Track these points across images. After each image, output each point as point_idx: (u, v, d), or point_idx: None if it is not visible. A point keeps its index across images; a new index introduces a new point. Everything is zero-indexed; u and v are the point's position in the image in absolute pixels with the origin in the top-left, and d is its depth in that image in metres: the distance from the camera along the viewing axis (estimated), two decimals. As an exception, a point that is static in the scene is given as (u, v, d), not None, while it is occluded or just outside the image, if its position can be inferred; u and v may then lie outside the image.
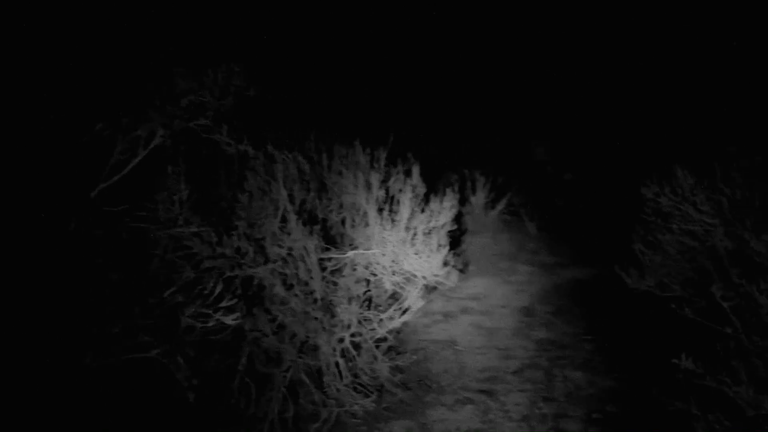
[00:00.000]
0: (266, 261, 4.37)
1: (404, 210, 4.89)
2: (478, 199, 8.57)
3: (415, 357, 5.33)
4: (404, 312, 4.84)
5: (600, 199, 7.66)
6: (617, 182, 7.55)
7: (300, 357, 4.63)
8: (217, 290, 3.64)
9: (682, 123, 6.54)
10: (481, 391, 5.17)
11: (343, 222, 5.05)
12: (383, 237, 4.82)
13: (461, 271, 5.61)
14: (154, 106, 4.10)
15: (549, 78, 8.60)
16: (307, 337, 4.63)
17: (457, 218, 5.54)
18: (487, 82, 8.89)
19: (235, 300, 3.69)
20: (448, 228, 5.36)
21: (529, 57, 8.89)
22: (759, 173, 3.55)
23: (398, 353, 5.08)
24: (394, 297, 5.04)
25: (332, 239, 4.96)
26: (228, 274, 4.12)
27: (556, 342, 6.01)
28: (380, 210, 4.96)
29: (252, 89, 4.64)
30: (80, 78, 4.05)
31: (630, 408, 4.72)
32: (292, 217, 4.52)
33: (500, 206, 8.92)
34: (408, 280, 4.97)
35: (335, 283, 4.73)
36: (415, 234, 4.97)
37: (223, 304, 3.67)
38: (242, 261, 4.20)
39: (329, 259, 4.81)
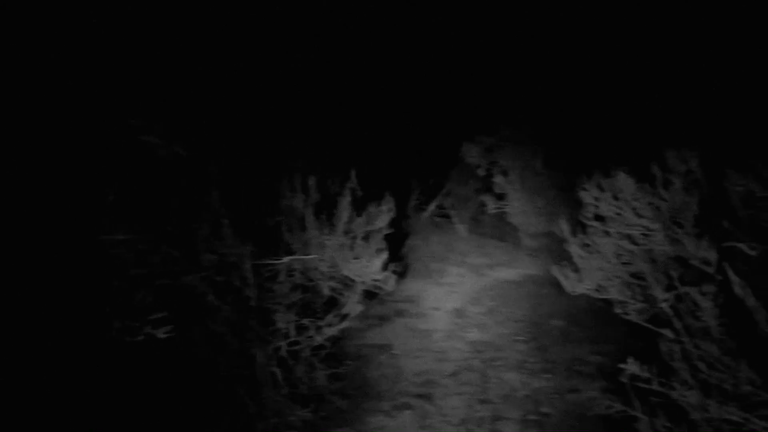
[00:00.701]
0: (198, 269, 4.15)
1: (343, 214, 4.80)
2: (410, 201, 8.59)
3: (355, 366, 5.24)
4: (343, 318, 4.74)
5: (531, 201, 7.83)
6: (550, 184, 7.75)
7: (234, 368, 4.44)
8: (147, 301, 3.40)
9: (621, 126, 6.75)
10: (419, 396, 5.15)
11: (278, 227, 4.89)
12: (321, 242, 4.70)
13: (400, 275, 5.56)
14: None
15: (483, 79, 8.71)
16: (242, 347, 4.44)
17: (393, 222, 5.48)
18: (418, 84, 8.91)
19: (166, 312, 3.47)
20: (386, 231, 5.31)
21: (462, 58, 8.98)
22: (697, 179, 3.72)
23: (336, 361, 4.97)
24: (332, 303, 4.94)
25: (267, 244, 4.79)
26: (158, 283, 3.88)
27: (490, 343, 6.08)
28: (318, 214, 4.83)
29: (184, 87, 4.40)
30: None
31: (566, 409, 4.82)
32: (226, 222, 4.32)
33: (431, 208, 8.99)
34: (347, 285, 4.88)
35: (271, 290, 4.57)
36: (354, 238, 4.89)
37: (154, 316, 3.44)
38: (173, 269, 3.97)
39: (264, 265, 4.64)
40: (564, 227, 5.07)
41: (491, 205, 8.18)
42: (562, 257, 5.04)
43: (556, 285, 5.49)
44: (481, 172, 8.33)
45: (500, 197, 8.22)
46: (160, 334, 3.41)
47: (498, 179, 7.94)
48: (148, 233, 3.82)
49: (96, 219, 3.51)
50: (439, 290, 7.47)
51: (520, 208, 7.95)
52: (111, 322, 3.36)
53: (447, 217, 9.29)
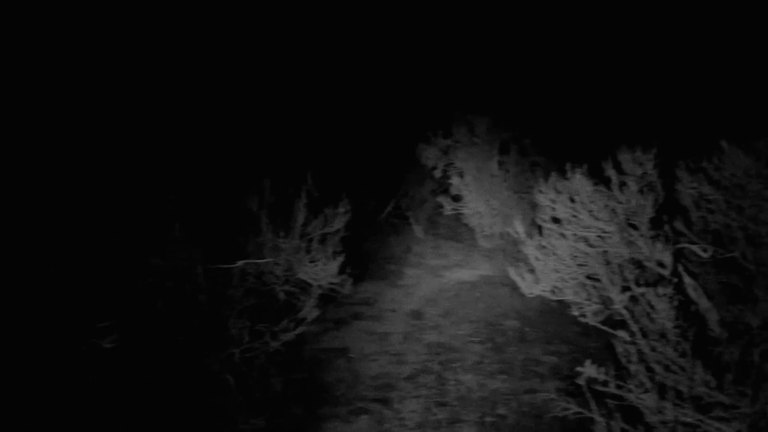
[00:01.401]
0: (148, 274, 3.99)
1: (299, 216, 4.69)
2: (366, 203, 8.51)
3: (311, 371, 5.15)
4: (299, 323, 4.64)
5: (486, 203, 7.87)
6: (505, 186, 7.81)
7: (185, 376, 4.28)
8: (92, 309, 3.23)
9: (576, 127, 6.82)
10: (376, 400, 5.09)
11: (232, 229, 4.75)
12: (276, 245, 4.59)
13: (357, 277, 5.48)
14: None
15: (441, 81, 8.72)
16: (193, 354, 4.29)
17: (350, 224, 5.41)
18: (375, 85, 8.86)
19: (111, 321, 3.31)
20: (342, 234, 5.23)
21: (421, 61, 8.97)
22: (652, 181, 3.77)
23: (292, 366, 4.87)
24: (288, 307, 4.83)
25: (220, 248, 4.65)
26: (104, 289, 3.70)
27: (447, 345, 6.07)
28: (273, 216, 4.72)
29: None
30: None
31: (522, 411, 4.83)
32: (177, 226, 4.16)
33: (387, 210, 8.94)
34: (303, 289, 4.77)
35: (224, 296, 4.44)
36: (310, 241, 4.79)
37: (99, 325, 3.27)
38: (121, 275, 3.80)
39: (217, 270, 4.50)
40: (519, 228, 5.10)
41: (448, 207, 8.18)
42: (518, 258, 5.06)
43: (512, 286, 5.51)
44: (437, 174, 8.33)
45: (456, 199, 8.24)
46: (106, 343, 3.25)
47: (454, 181, 7.95)
48: (94, 238, 3.65)
49: (34, 220, 3.33)
50: (396, 292, 7.43)
51: (475, 209, 7.98)
52: (52, 331, 3.18)
53: (404, 218, 9.25)
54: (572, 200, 3.85)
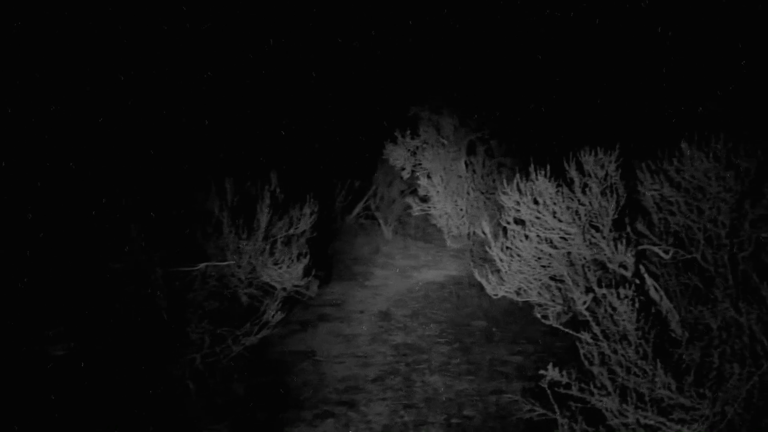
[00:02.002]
0: (104, 277, 3.86)
1: (262, 218, 4.60)
2: (336, 203, 8.45)
3: (276, 374, 5.05)
4: (262, 326, 4.55)
5: (454, 204, 7.87)
6: (473, 187, 7.81)
7: (143, 383, 4.16)
8: (42, 314, 3.10)
9: (541, 129, 6.83)
10: (342, 403, 5.03)
11: (192, 231, 4.64)
12: (239, 247, 4.49)
13: (324, 279, 5.40)
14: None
15: (409, 80, 8.68)
16: (154, 360, 4.18)
17: (317, 224, 5.33)
18: (344, 84, 8.79)
19: (62, 327, 3.18)
20: (308, 235, 5.15)
21: (389, 60, 8.93)
22: (614, 183, 3.78)
23: (256, 370, 4.77)
24: (251, 311, 4.73)
25: (180, 251, 4.54)
26: (56, 294, 3.57)
27: (414, 346, 6.04)
28: (235, 218, 4.61)
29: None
30: None
31: (488, 412, 4.82)
32: (134, 227, 4.04)
33: (357, 210, 8.88)
34: (266, 292, 4.68)
35: (185, 299, 4.33)
36: (274, 243, 4.70)
37: (49, 331, 3.14)
38: (74, 278, 3.67)
39: (177, 273, 4.39)
40: (486, 229, 5.08)
41: (416, 207, 8.16)
42: (485, 259, 5.05)
43: (479, 286, 5.50)
44: (405, 174, 8.30)
45: (424, 199, 8.23)
46: (58, 351, 3.12)
47: (422, 181, 7.93)
48: (46, 239, 3.51)
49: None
50: (364, 293, 7.37)
51: (443, 210, 7.97)
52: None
53: (372, 218, 9.21)
54: (536, 202, 3.84)
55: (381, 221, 9.04)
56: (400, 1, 8.83)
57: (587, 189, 3.71)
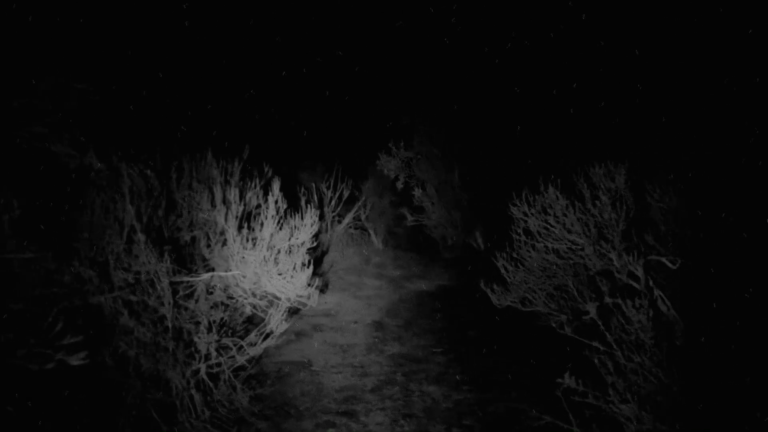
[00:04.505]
0: (111, 288, 3.83)
1: (266, 228, 4.60)
2: (326, 213, 8.46)
3: (275, 385, 5.04)
4: (266, 337, 4.55)
5: (448, 214, 7.93)
6: (467, 198, 7.88)
7: (148, 393, 4.13)
8: (59, 325, 3.07)
9: (549, 143, 6.87)
10: (342, 413, 5.04)
11: (195, 241, 4.62)
12: (243, 257, 4.49)
13: (321, 291, 5.41)
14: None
15: (403, 90, 8.73)
16: (157, 370, 4.15)
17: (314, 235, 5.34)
18: (336, 95, 8.81)
19: (81, 336, 3.15)
20: (308, 245, 5.16)
21: (382, 69, 8.97)
22: (623, 195, 3.87)
23: (256, 380, 4.76)
24: (253, 321, 4.73)
25: (184, 260, 4.52)
26: (67, 304, 3.53)
27: (410, 356, 6.07)
28: (240, 228, 4.61)
29: (96, 93, 4.04)
30: None
31: (488, 421, 4.87)
32: (141, 238, 4.02)
33: (347, 220, 8.90)
34: (270, 302, 4.68)
35: (189, 309, 4.31)
36: (278, 253, 4.71)
37: (66, 341, 3.11)
38: (84, 288, 3.63)
39: (181, 283, 4.37)
40: (479, 240, 5.15)
41: (410, 218, 8.22)
42: (480, 270, 5.10)
43: (470, 296, 5.56)
44: (399, 185, 8.36)
45: (418, 210, 8.28)
46: (75, 361, 3.08)
47: (416, 192, 7.99)
48: (55, 249, 3.47)
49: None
50: (357, 303, 7.39)
51: (438, 221, 8.03)
52: (14, 349, 3.00)
53: (363, 229, 9.24)
54: (545, 213, 3.92)
55: (371, 231, 9.08)
56: (397, 8, 8.87)
57: (597, 201, 3.80)
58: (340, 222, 8.88)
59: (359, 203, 8.99)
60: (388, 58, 8.86)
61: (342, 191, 8.66)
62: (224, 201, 4.54)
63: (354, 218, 9.03)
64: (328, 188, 8.55)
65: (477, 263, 6.25)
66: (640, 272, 3.61)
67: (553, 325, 4.00)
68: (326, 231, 8.60)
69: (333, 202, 8.69)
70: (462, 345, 6.22)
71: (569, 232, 3.76)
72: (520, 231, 4.10)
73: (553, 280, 3.98)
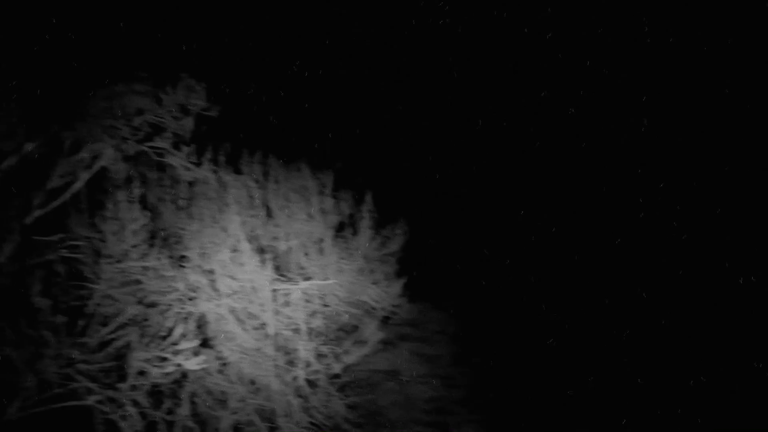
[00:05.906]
0: (218, 295, 3.99)
1: (362, 237, 4.66)
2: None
3: (367, 394, 5.06)
4: (362, 345, 4.61)
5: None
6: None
7: (250, 397, 4.27)
8: (178, 331, 3.23)
9: None
10: (432, 424, 5.03)
11: (292, 250, 4.72)
12: (340, 266, 4.56)
13: (412, 300, 5.42)
14: (103, 125, 3.62)
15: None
16: (258, 375, 4.28)
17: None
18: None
19: (197, 341, 3.30)
20: (399, 255, 5.18)
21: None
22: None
23: (352, 389, 4.81)
24: (345, 329, 4.78)
25: (282, 269, 4.63)
26: (178, 310, 3.71)
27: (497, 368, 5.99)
28: (336, 238, 4.69)
29: (213, 109, 4.24)
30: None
31: None
32: (246, 246, 4.17)
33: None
34: (366, 311, 4.73)
35: (288, 317, 4.42)
36: (372, 262, 4.75)
37: (183, 345, 3.27)
38: (195, 295, 3.80)
39: (280, 291, 4.48)
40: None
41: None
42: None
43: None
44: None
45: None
46: (193, 365, 3.19)
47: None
48: (169, 257, 3.65)
49: (120, 245, 3.34)
50: (440, 313, 7.34)
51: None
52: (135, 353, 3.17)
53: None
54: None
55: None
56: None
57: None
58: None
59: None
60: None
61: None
62: (322, 211, 4.63)
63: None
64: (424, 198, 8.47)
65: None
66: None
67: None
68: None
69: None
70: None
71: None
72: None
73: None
